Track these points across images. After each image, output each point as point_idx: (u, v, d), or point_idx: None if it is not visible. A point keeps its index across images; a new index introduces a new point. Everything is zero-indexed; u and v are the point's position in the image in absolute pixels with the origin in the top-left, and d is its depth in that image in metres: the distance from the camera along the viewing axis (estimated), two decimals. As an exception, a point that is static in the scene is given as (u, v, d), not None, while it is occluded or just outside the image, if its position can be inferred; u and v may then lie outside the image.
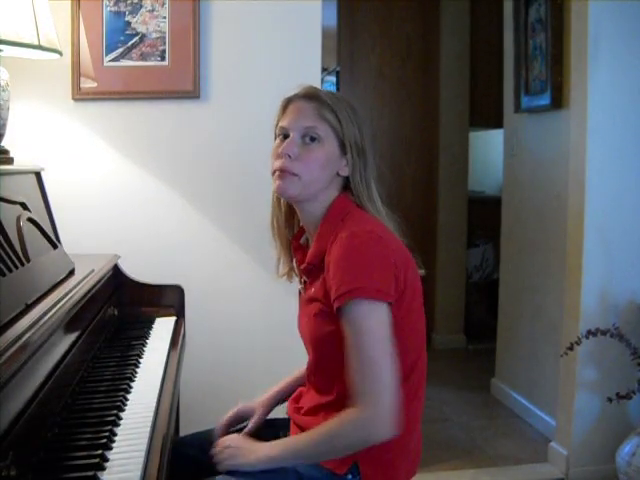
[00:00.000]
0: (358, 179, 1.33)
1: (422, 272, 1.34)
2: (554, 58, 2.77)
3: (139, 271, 2.04)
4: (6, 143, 1.83)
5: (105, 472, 1.03)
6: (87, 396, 1.34)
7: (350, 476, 1.26)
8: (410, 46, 4.24)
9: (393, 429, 1.16)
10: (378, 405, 1.15)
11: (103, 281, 1.74)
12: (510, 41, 3.21)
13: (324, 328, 1.27)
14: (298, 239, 1.43)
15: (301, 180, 1.30)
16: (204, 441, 1.47)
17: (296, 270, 1.44)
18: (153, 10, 2.19)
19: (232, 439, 1.35)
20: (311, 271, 1.33)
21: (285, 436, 1.41)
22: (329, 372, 1.30)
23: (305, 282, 1.38)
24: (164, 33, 2.19)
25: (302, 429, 1.33)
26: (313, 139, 1.30)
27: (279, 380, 1.58)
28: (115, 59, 2.19)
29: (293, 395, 1.48)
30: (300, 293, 1.46)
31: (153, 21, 2.19)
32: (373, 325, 1.17)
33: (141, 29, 2.19)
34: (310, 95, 1.33)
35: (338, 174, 1.33)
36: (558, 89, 2.76)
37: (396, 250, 1.25)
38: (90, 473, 1.02)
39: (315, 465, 1.28)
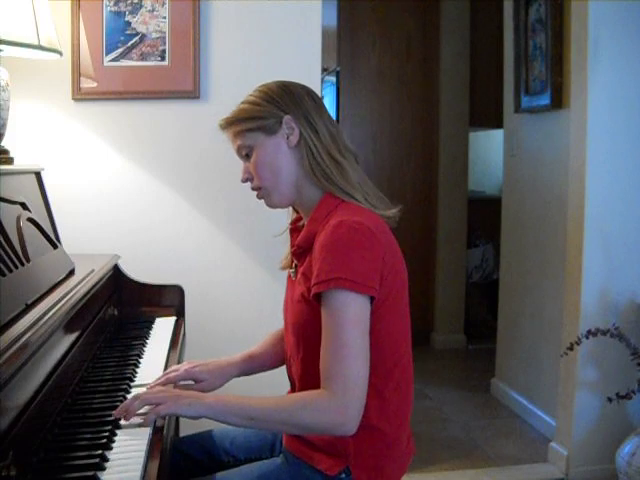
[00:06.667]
0: (310, 143, 1.30)
1: (395, 211, 1.33)
2: (554, 58, 2.77)
3: (139, 271, 2.04)
4: (6, 143, 1.84)
5: (105, 472, 1.03)
6: (87, 396, 1.34)
7: (344, 475, 1.26)
8: (410, 46, 4.24)
9: (356, 426, 1.16)
10: (347, 395, 1.14)
11: (103, 281, 1.74)
12: (510, 41, 3.21)
13: (304, 314, 1.27)
14: (296, 222, 1.43)
15: (267, 189, 1.34)
16: (204, 441, 1.48)
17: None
18: (153, 10, 2.19)
19: (161, 388, 1.32)
20: (300, 255, 1.32)
21: None
22: (311, 360, 1.25)
23: (296, 266, 1.37)
24: (164, 33, 2.20)
25: None
26: (247, 154, 1.34)
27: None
28: (115, 59, 2.19)
29: None
30: (288, 277, 1.45)
31: (153, 21, 2.19)
32: (352, 316, 1.17)
33: (141, 29, 2.19)
34: (223, 127, 1.37)
35: (297, 152, 1.31)
36: (558, 89, 2.76)
37: (386, 245, 1.23)
38: (90, 473, 1.02)
39: (308, 466, 1.28)
